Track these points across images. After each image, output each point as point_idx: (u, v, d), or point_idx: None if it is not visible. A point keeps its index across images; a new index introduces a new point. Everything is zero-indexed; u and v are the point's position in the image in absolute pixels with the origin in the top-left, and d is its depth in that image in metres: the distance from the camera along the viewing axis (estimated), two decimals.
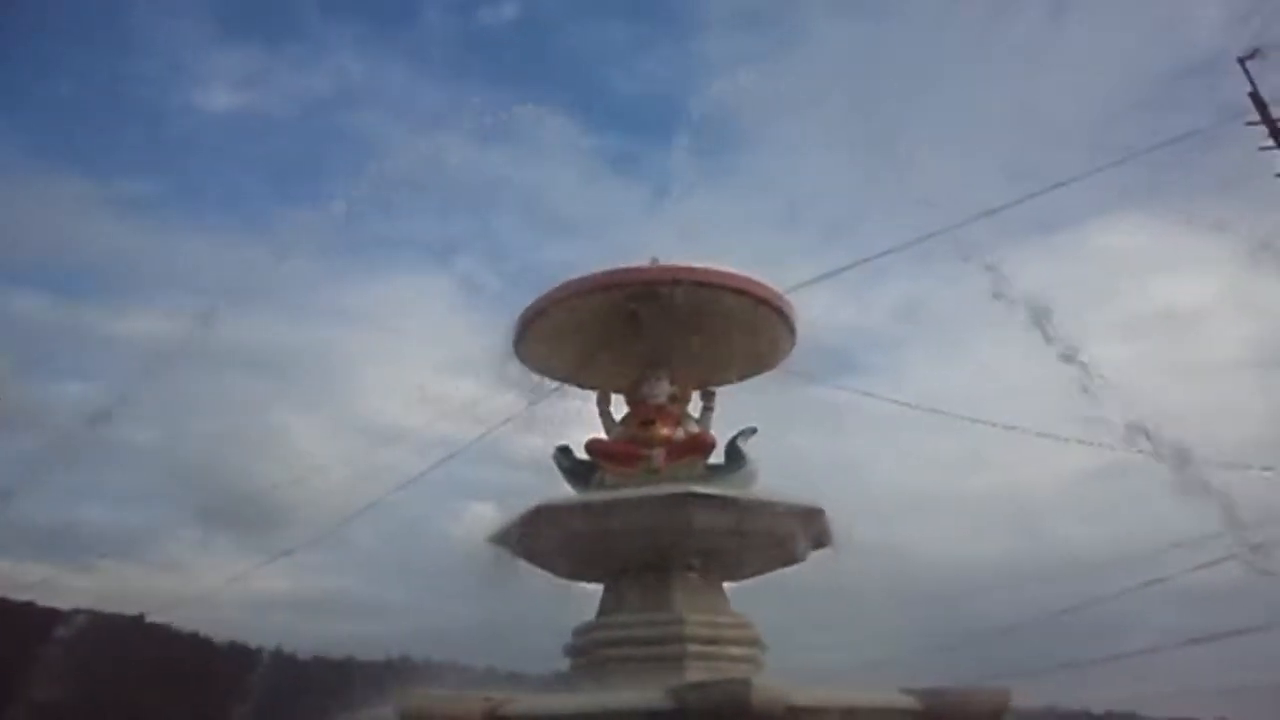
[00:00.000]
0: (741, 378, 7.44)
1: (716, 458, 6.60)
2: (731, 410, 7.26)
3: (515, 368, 7.45)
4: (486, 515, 6.50)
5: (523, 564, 6.21)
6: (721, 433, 6.86)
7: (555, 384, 7.69)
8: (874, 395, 8.88)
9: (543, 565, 6.30)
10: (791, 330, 7.07)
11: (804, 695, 4.11)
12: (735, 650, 5.45)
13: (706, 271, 6.62)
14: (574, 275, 6.79)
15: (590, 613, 6.22)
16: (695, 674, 4.86)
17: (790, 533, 5.75)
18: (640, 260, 6.94)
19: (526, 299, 6.98)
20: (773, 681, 4.15)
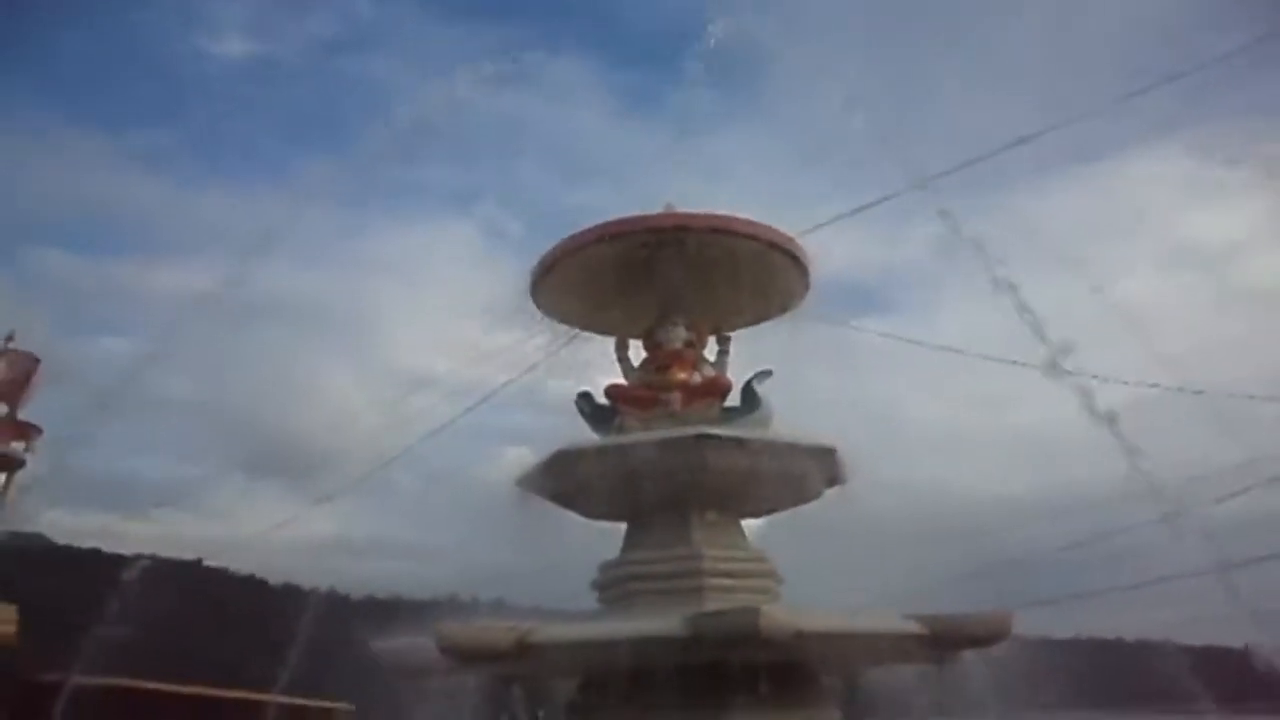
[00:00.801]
0: (756, 321, 7.54)
1: (733, 400, 6.76)
2: (753, 353, 7.39)
3: (537, 315, 7.62)
4: (522, 459, 6.74)
5: (550, 506, 6.48)
6: (738, 376, 7.01)
7: (574, 331, 7.85)
8: (891, 335, 8.91)
9: (568, 506, 6.56)
10: (805, 273, 7.13)
11: (811, 622, 4.36)
12: (751, 583, 5.70)
13: (718, 218, 6.68)
14: (592, 221, 6.89)
15: (617, 550, 6.50)
16: (713, 605, 5.11)
17: (804, 471, 5.94)
18: (657, 206, 7.02)
19: (549, 244, 7.10)
20: (781, 610, 4.40)
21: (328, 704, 16.59)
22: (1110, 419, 4.69)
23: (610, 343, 7.49)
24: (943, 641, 4.74)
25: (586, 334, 7.90)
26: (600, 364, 7.60)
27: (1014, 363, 7.83)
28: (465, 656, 4.58)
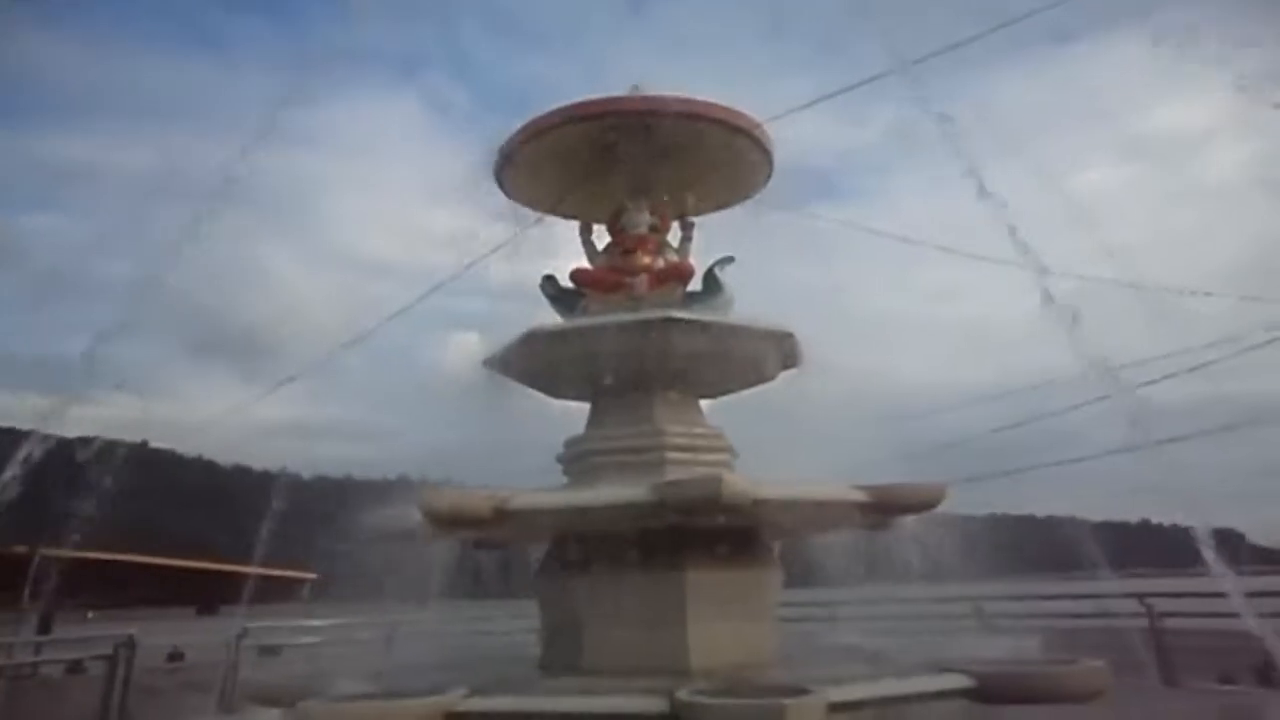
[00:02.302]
0: (719, 207, 7.64)
1: (695, 285, 6.96)
2: (714, 238, 7.52)
3: (497, 198, 7.56)
4: (472, 343, 6.87)
5: (516, 386, 6.69)
6: (700, 261, 7.18)
7: (538, 215, 7.84)
8: (849, 224, 9.11)
9: (534, 386, 6.79)
10: (769, 159, 7.21)
11: (767, 490, 4.76)
12: (709, 457, 6.09)
13: (686, 101, 6.65)
14: (542, 95, 6.81)
15: (578, 429, 6.80)
16: (673, 476, 5.48)
17: (761, 354, 6.24)
18: (613, 80, 6.94)
19: (498, 119, 7.00)
20: (740, 478, 4.78)
21: (292, 573, 17.21)
22: (1071, 313, 5.06)
23: (572, 227, 7.53)
24: (883, 508, 5.23)
25: (549, 218, 7.90)
26: (560, 249, 7.67)
27: (964, 254, 8.14)
28: (445, 521, 4.87)
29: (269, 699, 5.04)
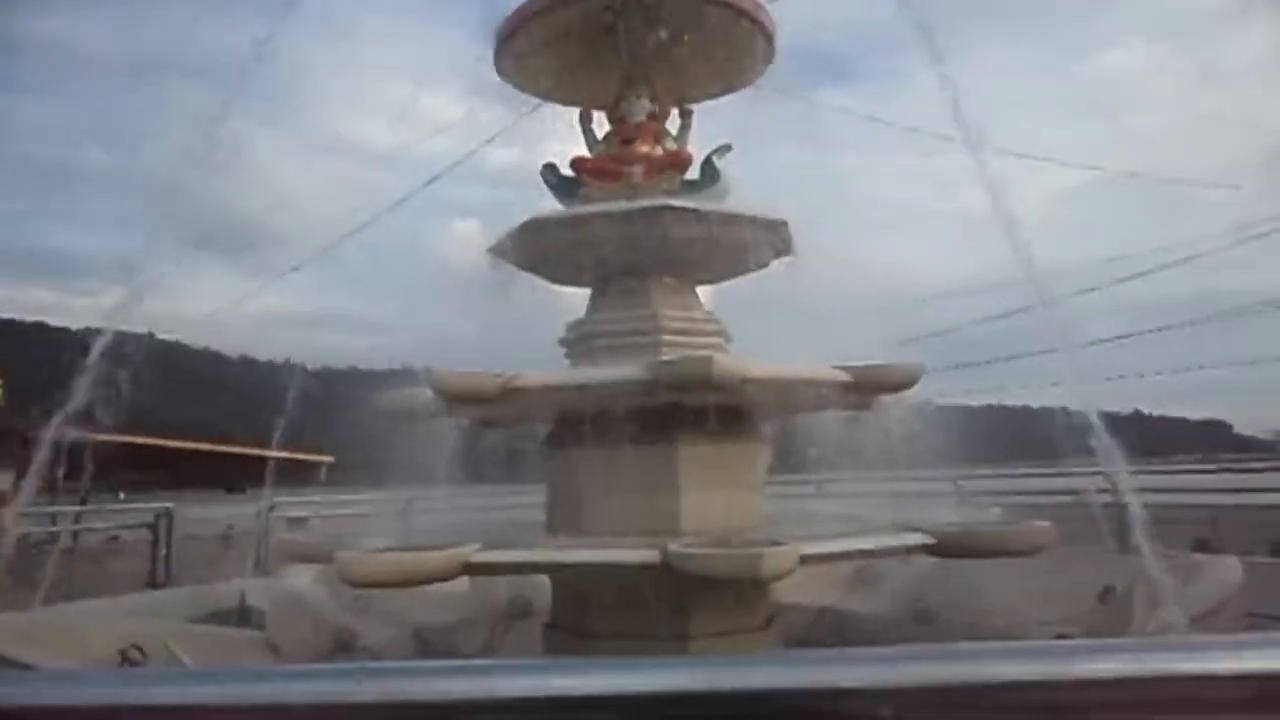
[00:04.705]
0: (719, 94, 7.62)
1: (693, 174, 7.06)
2: (715, 125, 7.52)
3: (495, 83, 7.53)
4: (474, 231, 7.01)
5: (520, 273, 6.93)
6: (699, 149, 7.24)
7: (536, 101, 7.82)
8: (848, 111, 9.06)
9: (537, 273, 7.04)
10: (770, 43, 7.14)
11: (756, 369, 5.09)
12: (704, 340, 6.39)
13: None
14: None
15: (580, 313, 7.08)
16: (669, 357, 5.80)
17: (755, 242, 6.43)
18: None
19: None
20: (730, 358, 5.10)
21: (310, 456, 18.01)
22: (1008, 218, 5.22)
23: (569, 114, 7.54)
24: (863, 388, 5.58)
25: (548, 105, 7.88)
26: (562, 136, 7.68)
27: (961, 144, 8.15)
28: (455, 399, 5.23)
29: (304, 556, 5.57)
